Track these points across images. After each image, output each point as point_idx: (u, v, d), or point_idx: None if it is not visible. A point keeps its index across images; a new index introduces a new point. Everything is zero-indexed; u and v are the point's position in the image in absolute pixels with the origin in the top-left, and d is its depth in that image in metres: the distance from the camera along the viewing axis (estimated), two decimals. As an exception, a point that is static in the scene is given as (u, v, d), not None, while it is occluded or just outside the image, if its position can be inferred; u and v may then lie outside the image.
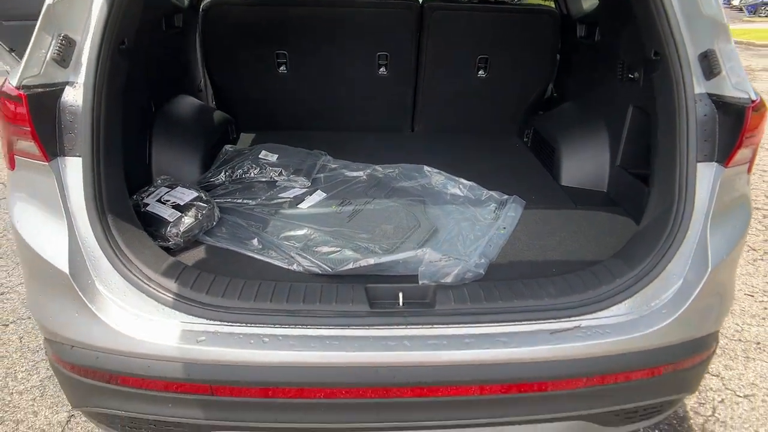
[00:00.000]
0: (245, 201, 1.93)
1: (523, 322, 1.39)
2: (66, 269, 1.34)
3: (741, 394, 2.51)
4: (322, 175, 2.17)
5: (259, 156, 2.20)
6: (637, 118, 2.06)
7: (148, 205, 1.69)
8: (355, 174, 2.15)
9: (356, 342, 1.32)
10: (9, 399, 2.37)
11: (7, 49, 3.21)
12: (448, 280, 1.47)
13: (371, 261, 1.53)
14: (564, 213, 2.00)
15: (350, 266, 1.52)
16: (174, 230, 1.63)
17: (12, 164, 1.44)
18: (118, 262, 1.36)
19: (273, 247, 1.64)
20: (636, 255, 1.54)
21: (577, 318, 1.43)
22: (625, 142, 2.11)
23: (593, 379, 1.43)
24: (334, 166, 2.24)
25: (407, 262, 1.52)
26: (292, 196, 1.98)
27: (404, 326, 1.35)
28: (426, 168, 2.20)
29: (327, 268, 1.53)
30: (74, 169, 1.37)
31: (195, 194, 1.73)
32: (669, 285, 1.49)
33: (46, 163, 1.35)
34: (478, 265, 1.53)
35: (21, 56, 3.53)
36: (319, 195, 1.99)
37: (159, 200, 1.72)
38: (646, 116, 1.93)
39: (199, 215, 1.68)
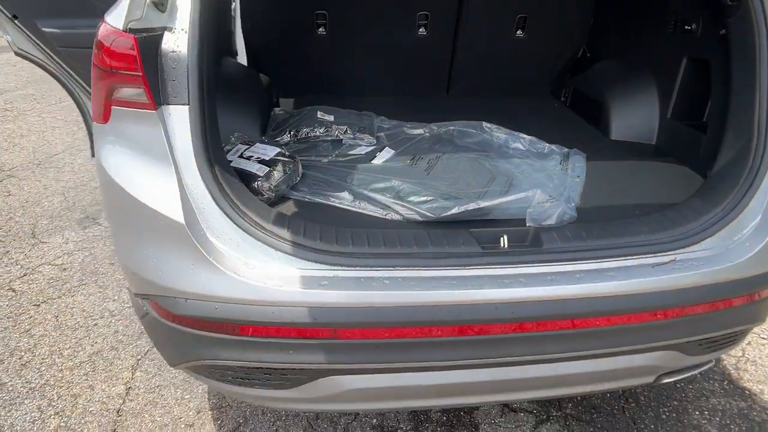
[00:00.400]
0: (317, 158, 1.91)
1: (626, 257, 1.44)
2: (181, 219, 1.30)
3: (765, 337, 2.66)
4: (382, 133, 2.16)
5: (317, 116, 2.17)
6: (692, 69, 2.12)
7: (231, 161, 1.65)
8: (416, 132, 2.15)
9: (474, 281, 1.35)
10: (60, 375, 2.31)
11: (9, 16, 3.04)
12: (551, 221, 1.51)
13: (483, 204, 1.55)
14: (625, 163, 2.06)
15: (454, 212, 1.53)
16: (266, 184, 1.60)
17: (106, 116, 1.38)
18: (233, 211, 1.33)
19: (365, 199, 1.64)
20: (718, 194, 1.60)
21: (672, 252, 1.49)
22: (677, 93, 2.17)
23: (686, 308, 1.50)
24: (387, 125, 2.22)
25: (512, 206, 1.54)
26: (362, 152, 1.96)
27: (518, 265, 1.38)
28: (485, 124, 2.21)
29: (429, 215, 1.54)
30: (180, 117, 1.32)
31: (277, 149, 1.70)
32: (749, 220, 1.56)
33: (154, 111, 1.30)
34: (571, 208, 1.58)
35: (25, 25, 3.35)
36: (388, 152, 1.98)
37: (241, 156, 1.68)
38: (703, 66, 1.99)
39: (287, 169, 1.66)
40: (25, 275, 2.96)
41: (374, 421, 2.15)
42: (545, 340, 1.40)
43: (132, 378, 2.31)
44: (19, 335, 2.52)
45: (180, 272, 1.34)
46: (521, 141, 2.08)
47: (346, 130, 2.08)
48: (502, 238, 1.44)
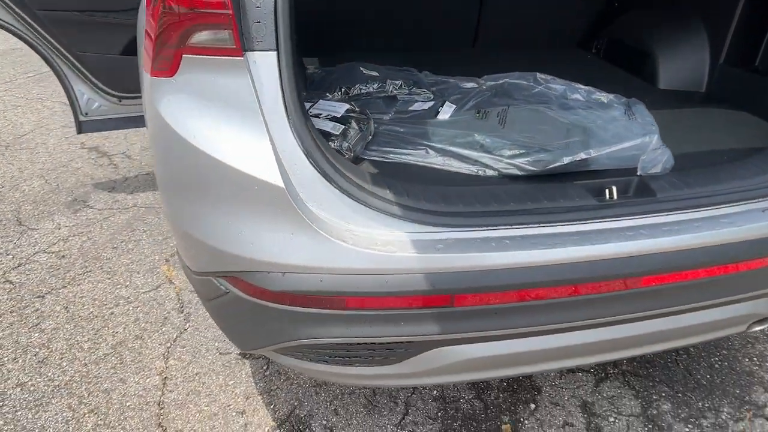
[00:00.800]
0: (379, 116, 1.75)
1: (737, 203, 1.39)
2: (280, 183, 1.14)
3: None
4: (435, 88, 2.01)
5: (362, 72, 2.00)
6: (749, 10, 2.06)
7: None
8: (469, 85, 2.02)
9: (598, 235, 1.26)
10: (85, 370, 2.11)
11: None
12: (657, 170, 1.44)
13: (595, 153, 1.45)
14: (684, 111, 2.00)
15: (561, 163, 1.43)
16: (345, 143, 1.44)
17: (174, 67, 1.18)
18: (333, 172, 1.18)
19: (451, 155, 1.50)
20: None
21: None
22: (732, 36, 2.12)
23: None
24: (433, 80, 2.08)
25: (625, 153, 1.45)
26: (424, 108, 1.82)
27: (638, 216, 1.30)
28: (539, 75, 2.10)
29: (531, 168, 1.43)
30: (267, 65, 1.14)
31: (346, 105, 1.54)
32: None
33: (240, 58, 1.12)
34: (669, 155, 1.51)
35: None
36: (449, 106, 1.84)
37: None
38: (763, 6, 1.94)
39: (362, 126, 1.50)
40: (20, 265, 2.68)
41: (435, 392, 2.07)
42: (662, 294, 1.33)
43: (166, 367, 2.13)
44: (28, 330, 2.28)
45: (277, 243, 1.18)
46: (579, 92, 1.99)
47: (401, 85, 1.93)
48: (609, 190, 1.35)
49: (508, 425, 1.94)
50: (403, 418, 1.95)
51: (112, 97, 3.16)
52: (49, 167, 3.65)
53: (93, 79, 3.07)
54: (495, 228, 1.24)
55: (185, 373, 2.11)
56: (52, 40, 2.91)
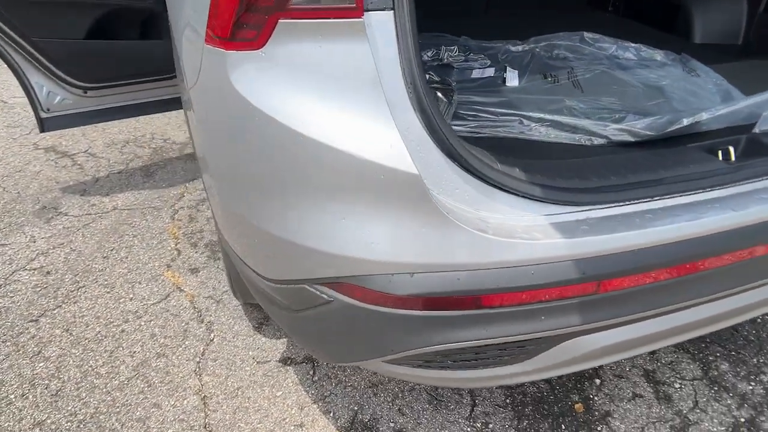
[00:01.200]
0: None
1: None
2: (414, 170, 0.97)
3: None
4: (483, 54, 1.85)
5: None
6: None
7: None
8: (518, 48, 1.87)
9: (740, 199, 1.17)
10: (110, 399, 1.85)
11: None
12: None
13: (720, 112, 1.36)
14: (734, 65, 1.94)
15: (679, 126, 1.32)
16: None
17: (264, 36, 0.97)
18: (459, 152, 1.02)
19: (549, 124, 1.37)
20: None
21: None
22: None
23: None
24: (475, 44, 1.92)
25: (749, 110, 1.36)
26: (486, 75, 1.66)
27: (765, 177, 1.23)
28: (586, 34, 1.98)
29: (648, 133, 1.32)
30: (386, 28, 0.95)
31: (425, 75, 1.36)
32: None
33: (360, 19, 0.93)
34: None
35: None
36: (512, 72, 1.69)
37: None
38: None
39: (449, 98, 1.33)
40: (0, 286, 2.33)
41: (497, 379, 1.98)
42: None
43: (202, 385, 1.91)
44: (30, 360, 1.98)
45: (404, 240, 1.01)
46: (630, 50, 1.90)
47: (456, 52, 1.75)
48: (724, 150, 1.26)
49: (580, 404, 1.88)
50: (472, 410, 1.85)
51: (77, 89, 2.78)
52: (2, 173, 3.21)
53: (53, 69, 2.68)
54: (635, 202, 1.12)
55: (225, 389, 1.90)
56: (2, 25, 2.50)
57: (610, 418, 1.83)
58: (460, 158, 1.03)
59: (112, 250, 2.56)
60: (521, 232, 1.04)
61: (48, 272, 2.42)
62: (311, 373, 1.97)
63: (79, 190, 3.04)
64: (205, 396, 1.87)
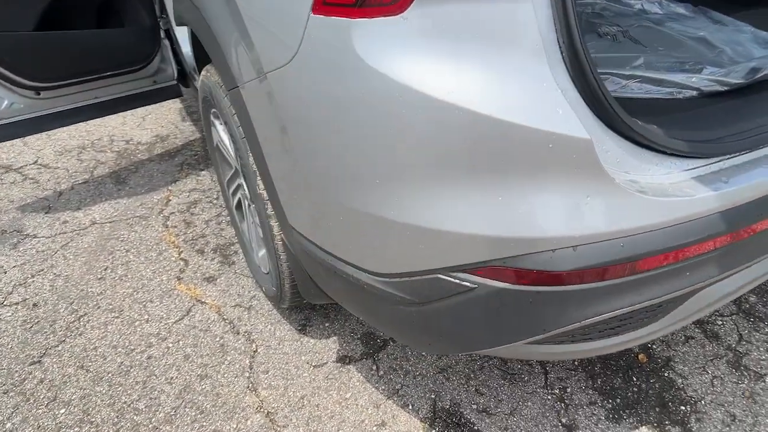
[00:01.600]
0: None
1: None
2: (585, 134, 0.89)
3: None
4: None
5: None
6: None
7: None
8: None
9: None
10: (164, 434, 1.65)
11: None
12: None
13: None
14: (746, 13, 1.98)
15: (765, 72, 1.32)
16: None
17: (405, 2, 0.84)
18: (616, 114, 0.95)
19: (641, 80, 1.32)
20: None
21: None
22: None
23: None
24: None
25: None
26: None
27: None
28: None
29: (737, 81, 1.31)
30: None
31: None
32: None
33: None
34: None
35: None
36: None
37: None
38: None
39: None
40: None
41: (556, 343, 1.98)
42: None
43: (261, 402, 1.76)
44: (47, 409, 1.72)
45: (567, 211, 0.94)
46: (655, 4, 1.90)
47: None
48: None
49: (642, 354, 1.93)
50: (546, 378, 1.84)
51: (27, 90, 2.43)
52: (-62, 198, 2.77)
53: (-3, 69, 2.31)
54: (758, 148, 1.12)
55: (289, 401, 1.76)
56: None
57: (672, 363, 1.89)
58: (615, 119, 0.96)
59: (105, 269, 2.28)
60: (675, 190, 1.00)
61: (35, 304, 2.12)
62: (374, 368, 1.87)
63: (41, 207, 2.68)
64: (268, 412, 1.73)
